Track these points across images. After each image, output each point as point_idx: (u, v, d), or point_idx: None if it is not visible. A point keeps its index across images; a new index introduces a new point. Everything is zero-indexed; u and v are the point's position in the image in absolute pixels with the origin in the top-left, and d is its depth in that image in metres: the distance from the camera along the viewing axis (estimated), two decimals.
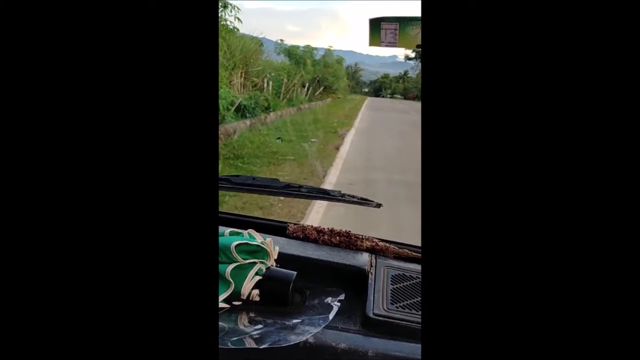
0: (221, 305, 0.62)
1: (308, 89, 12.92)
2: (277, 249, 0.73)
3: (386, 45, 0.75)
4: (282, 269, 0.68)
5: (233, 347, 0.53)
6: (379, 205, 0.88)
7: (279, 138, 6.42)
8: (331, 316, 0.62)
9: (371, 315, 0.62)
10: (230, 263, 0.65)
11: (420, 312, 0.63)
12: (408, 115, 14.11)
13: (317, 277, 0.73)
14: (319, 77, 14.79)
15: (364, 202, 0.89)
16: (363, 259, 0.77)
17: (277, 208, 3.25)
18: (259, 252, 0.68)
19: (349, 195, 0.88)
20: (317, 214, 3.14)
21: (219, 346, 0.52)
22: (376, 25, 0.75)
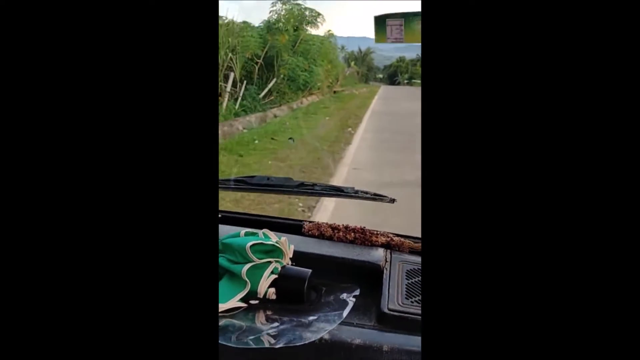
0: (238, 304, 0.64)
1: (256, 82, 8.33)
2: (292, 247, 0.74)
3: (392, 41, 0.76)
4: (297, 267, 0.69)
5: (251, 346, 0.54)
6: (392, 201, 0.88)
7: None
8: (346, 312, 0.62)
9: (386, 310, 0.63)
10: (246, 263, 0.66)
11: None
12: None
13: (333, 274, 0.73)
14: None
15: (377, 197, 0.89)
16: (378, 255, 0.78)
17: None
18: (274, 251, 0.69)
19: (362, 192, 0.89)
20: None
21: (237, 345, 0.54)
22: (381, 22, 0.75)
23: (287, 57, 8.99)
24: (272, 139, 6.01)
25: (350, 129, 7.08)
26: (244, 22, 8.46)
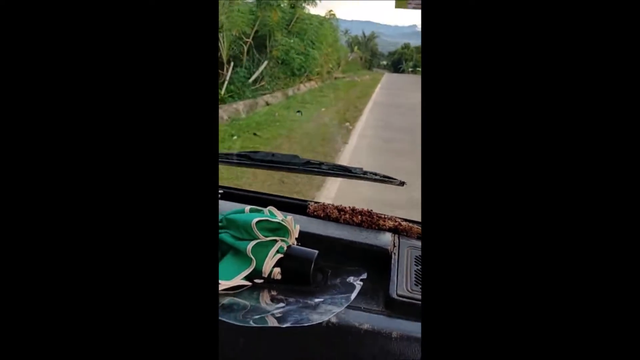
0: (242, 282, 0.62)
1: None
2: (297, 227, 0.72)
3: (414, 7, 0.74)
4: (304, 248, 0.68)
5: (255, 325, 0.53)
6: (402, 183, 0.87)
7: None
8: (353, 296, 0.61)
9: (394, 296, 0.61)
10: (251, 240, 0.64)
11: None
12: None
13: (339, 256, 0.72)
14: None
15: (386, 179, 0.88)
16: (386, 239, 0.76)
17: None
18: (279, 229, 0.67)
19: (371, 173, 0.87)
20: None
21: (241, 324, 0.53)
22: None
23: (281, 37, 7.72)
24: (255, 134, 5.05)
25: (348, 123, 6.11)
26: None
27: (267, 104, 6.97)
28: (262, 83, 7.37)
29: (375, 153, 4.53)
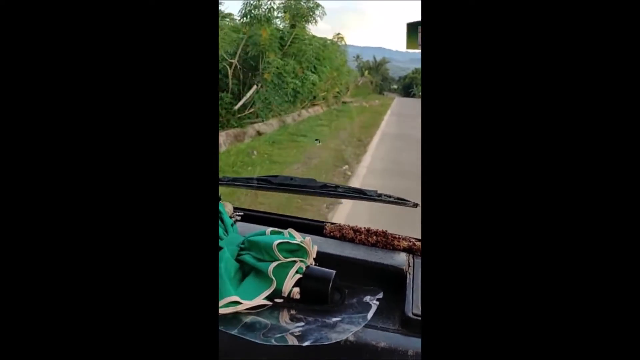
0: (263, 302, 0.64)
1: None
2: (315, 247, 0.74)
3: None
4: (322, 268, 0.69)
5: (276, 344, 0.54)
6: (416, 205, 0.87)
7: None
8: (370, 315, 0.62)
9: (411, 315, 0.62)
10: (272, 261, 0.67)
11: None
12: None
13: (355, 276, 0.73)
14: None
15: (400, 201, 0.89)
16: (400, 259, 0.77)
17: None
18: (298, 250, 0.70)
19: (385, 195, 0.89)
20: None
21: (264, 342, 0.54)
22: (414, 28, 0.78)
23: (274, 57, 6.57)
24: None
25: (346, 167, 4.57)
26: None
27: (259, 133, 6.07)
28: (252, 110, 6.37)
29: (380, 218, 3.03)
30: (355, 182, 4.17)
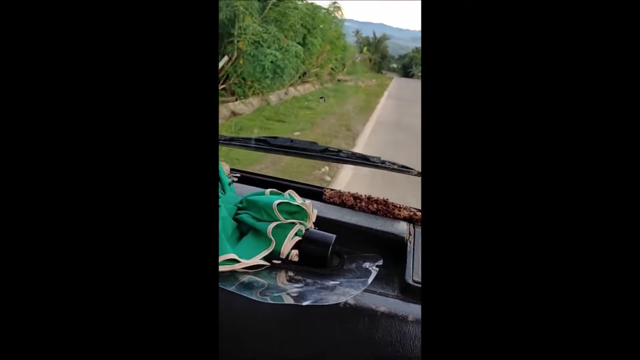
0: (261, 262, 0.63)
1: None
2: (315, 211, 0.72)
3: None
4: (322, 231, 0.68)
5: (273, 302, 0.53)
6: (420, 174, 0.85)
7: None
8: (370, 280, 0.61)
9: (411, 281, 0.61)
10: (272, 221, 0.65)
11: None
12: None
13: (355, 242, 0.73)
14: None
15: (404, 169, 0.88)
16: (401, 227, 0.77)
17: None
18: (298, 213, 0.68)
19: (389, 162, 0.87)
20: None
21: (260, 300, 0.53)
22: None
23: (251, 22, 5.27)
24: None
25: (325, 168, 3.59)
26: None
27: (234, 114, 5.13)
28: (224, 85, 5.35)
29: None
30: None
